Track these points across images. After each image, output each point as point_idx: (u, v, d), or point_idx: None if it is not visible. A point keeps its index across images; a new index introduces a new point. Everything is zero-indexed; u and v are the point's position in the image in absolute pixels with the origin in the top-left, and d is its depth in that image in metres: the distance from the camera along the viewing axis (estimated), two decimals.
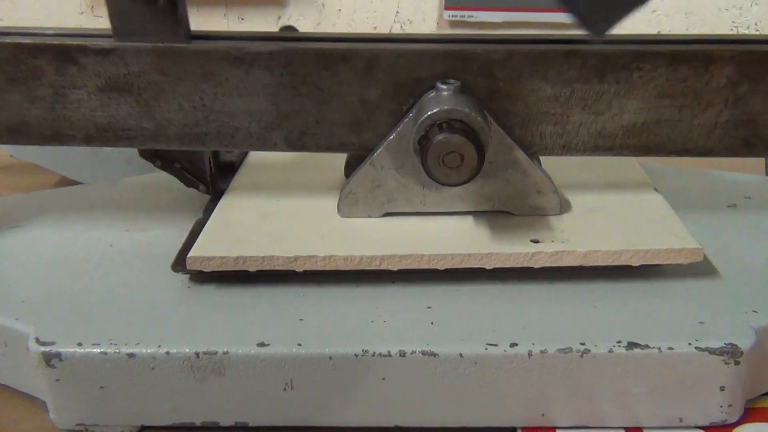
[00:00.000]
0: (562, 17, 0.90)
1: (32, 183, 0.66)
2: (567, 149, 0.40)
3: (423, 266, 0.38)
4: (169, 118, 0.40)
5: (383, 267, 0.38)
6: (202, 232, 0.40)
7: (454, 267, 0.38)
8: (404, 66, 0.38)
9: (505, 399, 0.35)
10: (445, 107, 0.35)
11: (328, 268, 0.38)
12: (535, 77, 0.38)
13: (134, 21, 0.37)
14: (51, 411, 0.36)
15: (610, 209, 0.42)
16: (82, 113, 0.40)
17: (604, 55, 0.38)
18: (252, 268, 0.38)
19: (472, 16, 0.94)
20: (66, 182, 0.65)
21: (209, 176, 0.46)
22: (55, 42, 0.38)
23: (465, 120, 0.35)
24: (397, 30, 0.97)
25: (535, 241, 0.38)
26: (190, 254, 0.38)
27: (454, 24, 0.95)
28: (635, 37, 0.39)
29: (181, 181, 0.46)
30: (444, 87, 0.37)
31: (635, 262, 0.38)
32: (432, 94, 0.38)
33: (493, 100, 0.39)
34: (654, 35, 0.41)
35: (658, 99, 0.39)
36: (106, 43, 0.38)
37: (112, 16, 0.38)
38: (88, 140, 0.41)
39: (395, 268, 0.38)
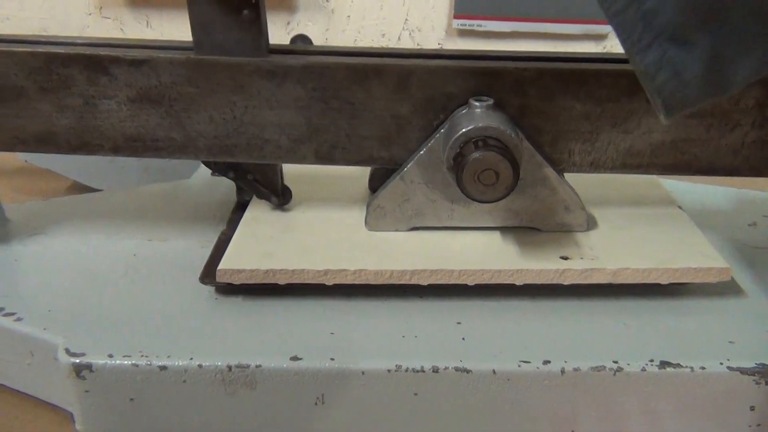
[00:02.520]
0: (570, 28, 0.90)
1: (45, 188, 0.66)
2: (595, 166, 0.41)
3: (453, 281, 0.38)
4: (199, 129, 0.40)
5: (413, 281, 0.38)
6: (230, 245, 0.40)
7: (484, 282, 0.38)
8: (436, 82, 0.38)
9: (536, 416, 0.35)
10: (480, 124, 0.36)
11: (358, 281, 0.38)
12: (566, 95, 0.38)
13: (216, 33, 0.37)
14: (78, 422, 0.36)
15: (636, 227, 0.42)
16: (111, 123, 0.40)
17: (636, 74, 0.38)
18: (282, 281, 0.38)
19: (480, 26, 0.94)
20: (78, 187, 0.65)
21: (281, 188, 0.45)
22: (88, 52, 0.38)
23: (500, 138, 0.35)
24: (405, 37, 0.97)
25: (565, 258, 0.39)
26: (220, 266, 0.38)
27: (462, 33, 0.96)
28: None
29: (254, 193, 0.45)
30: (477, 104, 0.37)
31: (664, 281, 0.38)
32: (464, 110, 0.38)
33: (523, 118, 0.39)
34: None
35: (686, 119, 0.39)
36: (139, 54, 0.38)
37: (194, 28, 0.37)
38: (116, 150, 0.41)
39: (425, 283, 0.38)
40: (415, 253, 0.39)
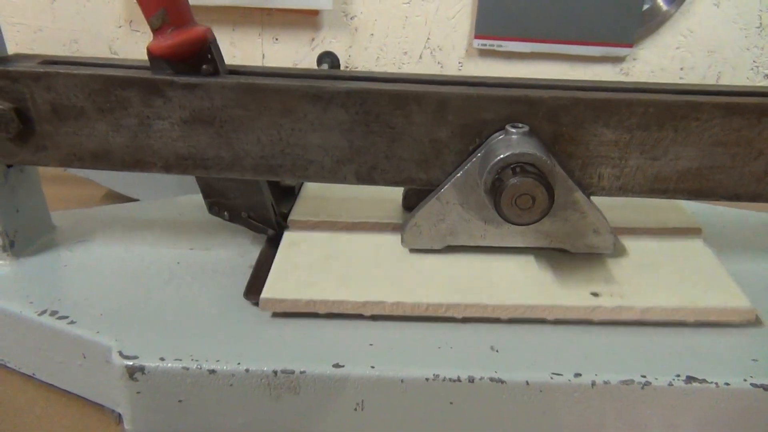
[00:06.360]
0: (590, 50, 0.92)
1: (81, 195, 0.68)
2: (623, 191, 0.42)
3: (487, 315, 0.40)
4: (246, 149, 0.42)
5: (448, 314, 0.40)
6: (270, 273, 0.42)
7: (516, 317, 0.40)
8: (474, 109, 0.40)
9: (566, 426, 0.37)
10: (517, 151, 0.37)
11: (395, 313, 0.40)
12: (597, 123, 0.40)
13: None
14: (127, 422, 0.38)
15: (662, 261, 0.44)
16: (163, 142, 0.42)
17: (665, 104, 0.40)
18: (322, 311, 0.40)
19: (501, 46, 0.96)
20: (113, 195, 0.68)
21: (275, 220, 0.48)
22: (145, 75, 0.40)
23: (536, 164, 0.37)
24: (427, 56, 0.99)
25: (595, 294, 0.40)
26: (263, 296, 0.40)
27: (483, 53, 0.98)
28: (692, 88, 0.42)
29: (250, 229, 0.48)
30: (513, 130, 0.39)
31: (690, 319, 0.40)
32: (501, 136, 0.40)
33: (556, 144, 0.41)
34: (710, 85, 0.43)
35: (712, 147, 0.41)
36: (193, 79, 0.40)
37: None
38: (167, 168, 0.43)
39: (460, 316, 0.40)
40: (450, 285, 0.41)
